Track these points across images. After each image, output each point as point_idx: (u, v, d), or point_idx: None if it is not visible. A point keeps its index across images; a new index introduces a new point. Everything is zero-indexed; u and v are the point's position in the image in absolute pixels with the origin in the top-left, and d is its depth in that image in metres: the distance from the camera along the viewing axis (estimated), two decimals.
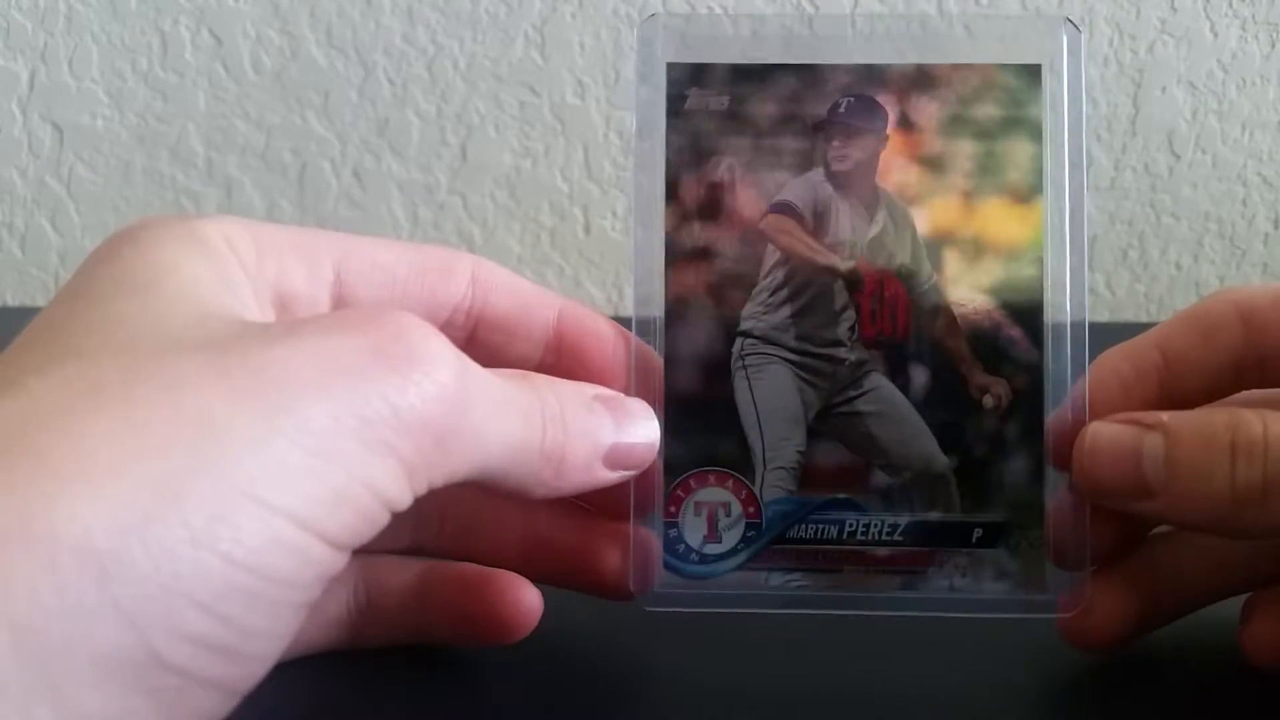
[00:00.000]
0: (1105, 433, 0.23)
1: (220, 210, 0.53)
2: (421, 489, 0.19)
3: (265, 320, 0.22)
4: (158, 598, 0.16)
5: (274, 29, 0.51)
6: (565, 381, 0.23)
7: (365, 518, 0.19)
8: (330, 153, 0.52)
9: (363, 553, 0.25)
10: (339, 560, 0.19)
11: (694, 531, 0.25)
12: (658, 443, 0.24)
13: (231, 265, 0.21)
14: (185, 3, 0.51)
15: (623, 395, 0.24)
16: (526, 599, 0.24)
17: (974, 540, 0.25)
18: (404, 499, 0.19)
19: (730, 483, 0.25)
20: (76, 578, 0.15)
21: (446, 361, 0.19)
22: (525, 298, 0.25)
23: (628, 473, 0.23)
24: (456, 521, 0.25)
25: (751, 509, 0.25)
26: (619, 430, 0.23)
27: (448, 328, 0.24)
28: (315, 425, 0.18)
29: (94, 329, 0.19)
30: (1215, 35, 0.53)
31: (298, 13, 0.51)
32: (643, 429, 0.24)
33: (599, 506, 0.25)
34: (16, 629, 0.15)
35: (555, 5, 0.51)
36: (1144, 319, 0.56)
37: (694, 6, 0.52)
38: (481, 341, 0.25)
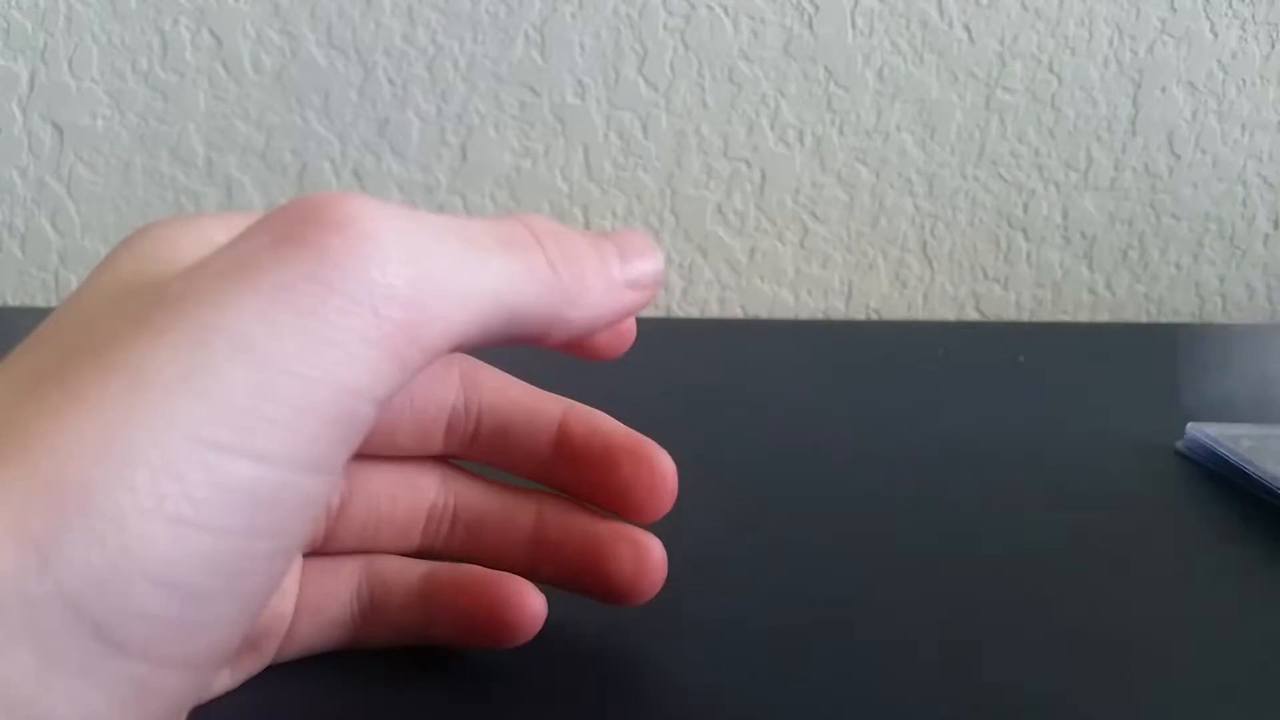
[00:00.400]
0: None
1: (220, 210, 0.53)
2: (415, 356, 0.18)
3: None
4: (104, 580, 0.15)
5: (274, 29, 0.51)
6: (560, 224, 0.21)
7: (345, 424, 0.17)
8: (330, 153, 0.52)
9: (368, 554, 0.25)
10: (322, 484, 0.17)
11: None
12: (660, 268, 0.22)
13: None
14: (185, 3, 0.50)
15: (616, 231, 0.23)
16: (531, 603, 0.24)
17: None
18: (391, 380, 0.17)
19: None
20: (15, 566, 0.14)
21: (375, 217, 0.17)
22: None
23: (649, 291, 0.22)
24: (466, 523, 0.25)
25: None
26: (621, 248, 0.22)
27: (452, 428, 0.24)
28: (248, 336, 0.16)
29: (66, 327, 0.18)
30: (1215, 35, 0.53)
31: (298, 13, 0.51)
32: (642, 242, 0.22)
33: (610, 508, 0.25)
34: None
35: (555, 5, 0.51)
36: (1144, 319, 0.56)
37: (694, 7, 0.52)
38: (484, 440, 0.24)
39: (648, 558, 0.24)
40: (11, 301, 0.53)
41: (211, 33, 0.51)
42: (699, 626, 0.26)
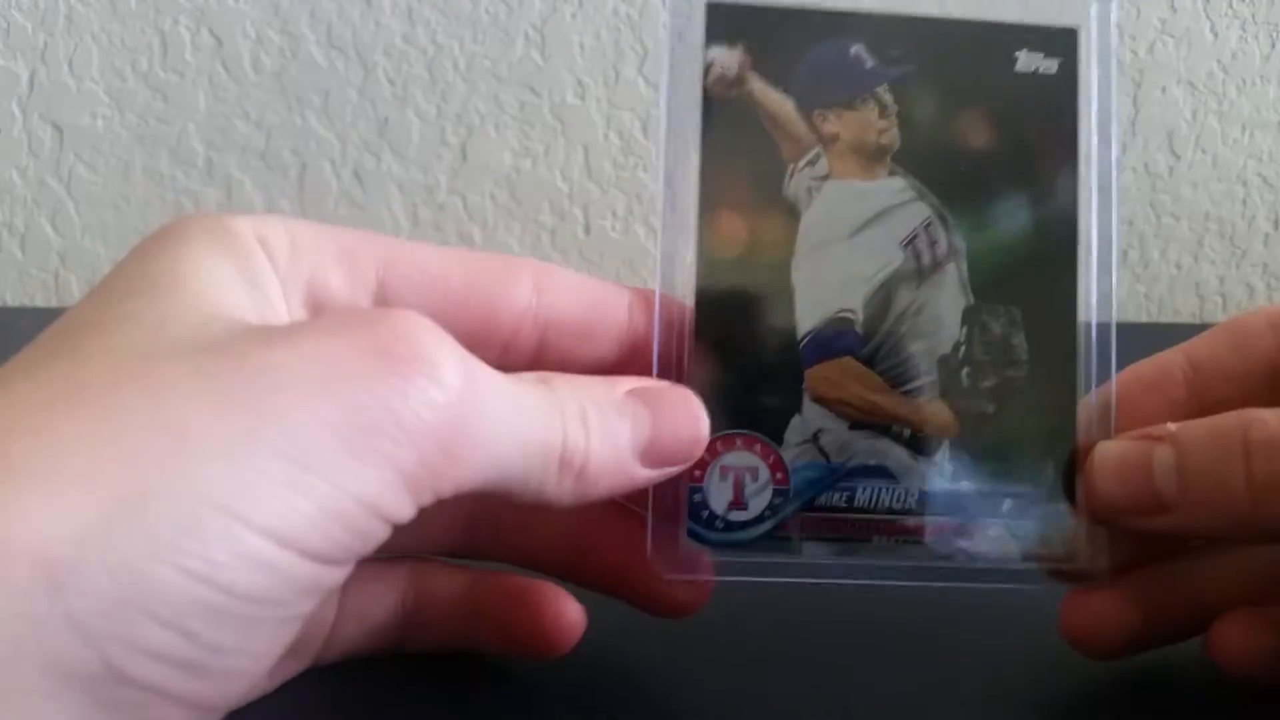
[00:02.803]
0: (1112, 451, 0.23)
1: (221, 210, 0.53)
2: (426, 500, 0.19)
3: (294, 322, 0.21)
4: (112, 612, 0.15)
5: (274, 29, 0.51)
6: (592, 380, 0.22)
7: (357, 533, 0.18)
8: (330, 153, 0.52)
9: (414, 559, 0.25)
10: (329, 575, 0.18)
11: (720, 498, 0.24)
12: (705, 433, 0.22)
13: (261, 265, 0.21)
14: (185, 3, 0.50)
15: (663, 385, 0.23)
16: (569, 613, 0.24)
17: (1004, 511, 0.24)
18: (404, 512, 0.18)
19: (758, 447, 0.24)
20: (27, 586, 0.15)
21: (453, 363, 0.18)
22: (594, 296, 0.24)
23: (672, 469, 0.22)
24: (512, 522, 0.25)
25: (779, 475, 0.24)
26: (657, 424, 0.22)
27: (514, 337, 0.23)
28: (302, 434, 0.17)
29: (97, 326, 0.18)
30: (1215, 35, 0.53)
31: (298, 13, 0.51)
32: (684, 420, 0.22)
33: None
34: None
35: (555, 5, 0.51)
36: (1144, 319, 0.56)
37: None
38: (553, 347, 0.23)
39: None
40: (11, 302, 0.53)
41: (211, 33, 0.51)
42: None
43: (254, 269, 0.21)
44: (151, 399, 0.17)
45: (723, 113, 0.25)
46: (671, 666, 0.26)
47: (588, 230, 0.54)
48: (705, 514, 0.24)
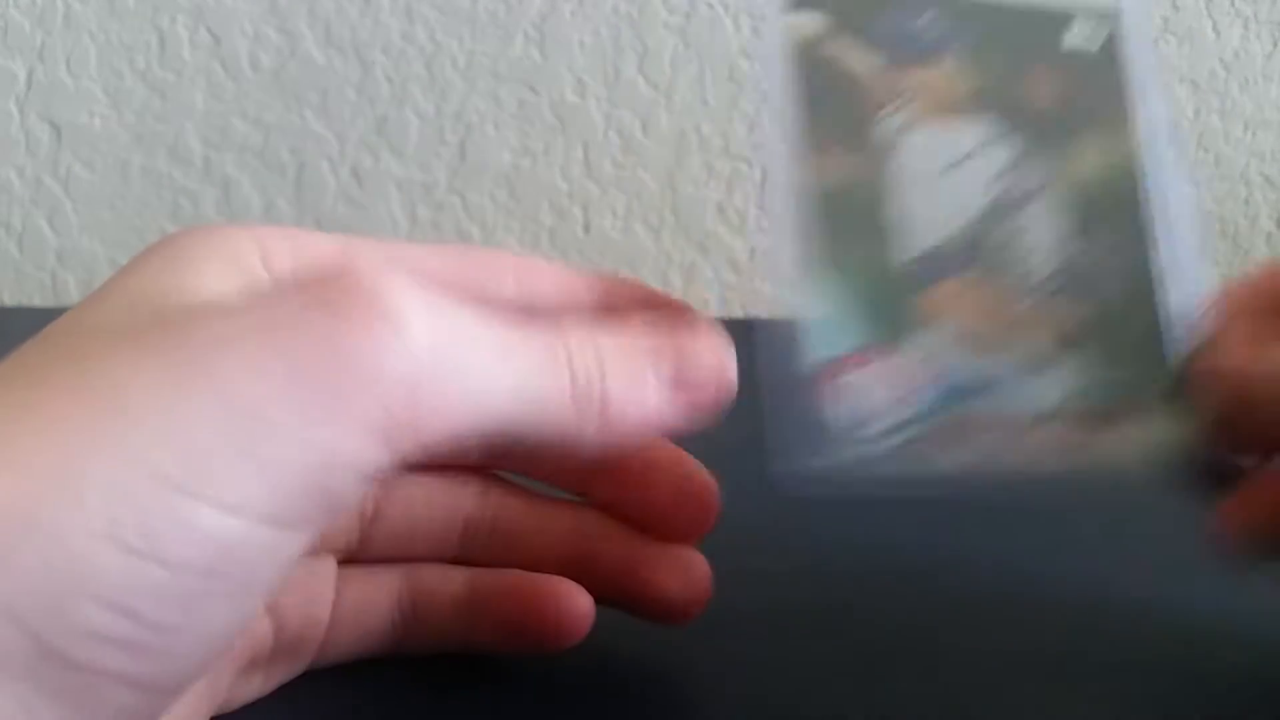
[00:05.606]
0: (1233, 351, 0.23)
1: (218, 210, 0.53)
2: (408, 448, 0.17)
3: None
4: (43, 590, 0.14)
5: (272, 27, 0.51)
6: (611, 324, 0.21)
7: (318, 491, 0.17)
8: (328, 151, 0.52)
9: (407, 563, 0.24)
10: (287, 541, 0.17)
11: (845, 414, 0.24)
12: (732, 369, 0.21)
13: (259, 277, 0.20)
14: (183, 1, 0.50)
15: (689, 313, 0.22)
16: (579, 605, 0.24)
17: (1125, 420, 0.24)
18: (376, 462, 0.17)
19: (878, 365, 0.24)
20: None
21: (416, 311, 0.17)
22: (567, 283, 0.23)
23: (698, 412, 0.21)
24: (505, 534, 0.25)
25: (903, 392, 0.24)
26: (680, 360, 0.21)
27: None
28: (245, 391, 0.16)
29: (73, 328, 0.18)
30: (1217, 34, 0.53)
31: (296, 11, 0.51)
32: (710, 353, 0.21)
33: (652, 527, 0.24)
34: None
35: (554, 3, 0.51)
36: None
37: (694, 5, 0.51)
38: (521, 451, 0.24)
39: (693, 577, 0.24)
40: (8, 301, 0.53)
41: (209, 31, 0.51)
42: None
43: (254, 282, 0.20)
44: (75, 368, 0.16)
45: (809, 72, 0.26)
46: (672, 665, 0.26)
47: (587, 229, 0.54)
48: (832, 430, 0.24)
